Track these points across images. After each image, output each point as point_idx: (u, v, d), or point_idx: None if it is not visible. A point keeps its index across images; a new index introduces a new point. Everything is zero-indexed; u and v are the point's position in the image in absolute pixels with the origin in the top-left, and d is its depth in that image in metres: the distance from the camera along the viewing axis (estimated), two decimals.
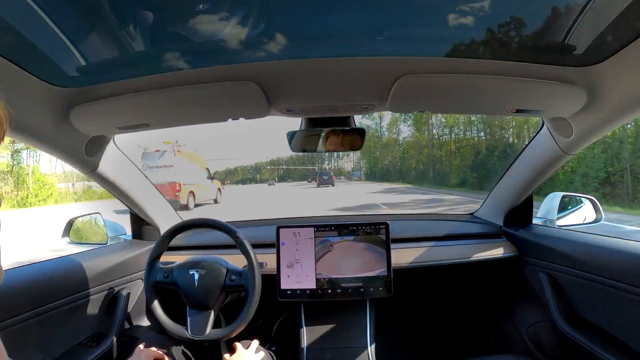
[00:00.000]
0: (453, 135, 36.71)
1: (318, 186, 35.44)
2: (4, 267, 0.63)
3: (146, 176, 1.74)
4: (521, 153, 1.71)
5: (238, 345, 1.41)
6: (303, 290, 1.61)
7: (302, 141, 1.45)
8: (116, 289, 1.59)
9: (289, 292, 1.62)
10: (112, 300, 1.58)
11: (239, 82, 1.05)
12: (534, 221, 1.89)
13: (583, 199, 1.90)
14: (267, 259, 1.65)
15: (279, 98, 1.15)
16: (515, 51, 1.00)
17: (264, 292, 1.44)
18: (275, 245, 1.65)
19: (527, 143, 1.68)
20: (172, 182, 15.48)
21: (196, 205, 17.00)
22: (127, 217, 1.84)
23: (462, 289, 2.15)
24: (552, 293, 1.56)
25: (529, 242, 1.75)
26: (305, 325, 1.68)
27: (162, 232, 1.76)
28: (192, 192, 16.77)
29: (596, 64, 0.98)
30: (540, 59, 1.02)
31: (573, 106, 1.15)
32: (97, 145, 1.34)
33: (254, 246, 1.46)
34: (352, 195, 22.14)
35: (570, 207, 1.90)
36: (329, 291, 1.60)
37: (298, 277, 1.62)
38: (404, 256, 1.74)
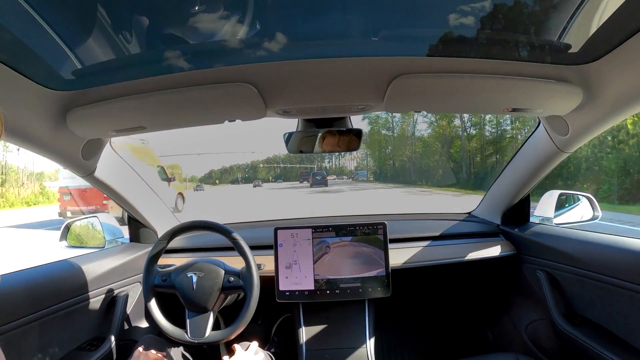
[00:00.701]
0: (493, 126, 28.46)
1: (311, 186, 34.99)
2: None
3: (143, 179, 1.74)
4: (518, 152, 1.71)
5: (237, 347, 1.41)
6: (301, 291, 1.61)
7: (298, 142, 1.45)
8: (114, 292, 1.59)
9: (287, 293, 1.62)
10: (111, 303, 1.58)
11: (235, 83, 1.05)
12: (531, 219, 1.90)
13: (580, 197, 1.90)
14: (265, 261, 1.65)
15: (275, 99, 1.15)
16: (511, 50, 1.01)
17: (263, 293, 1.44)
18: (273, 246, 1.65)
19: (523, 142, 1.68)
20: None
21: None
22: None
23: (460, 288, 2.15)
24: (550, 291, 1.57)
25: (526, 241, 1.76)
26: (304, 326, 1.68)
27: (159, 235, 1.77)
28: None
29: (591, 62, 0.99)
30: (536, 57, 1.02)
31: (569, 104, 1.15)
32: (93, 148, 1.34)
33: (252, 248, 1.46)
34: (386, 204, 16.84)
35: (567, 205, 1.91)
36: (328, 292, 1.61)
37: (296, 278, 1.62)
38: (402, 256, 1.74)
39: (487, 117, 27.58)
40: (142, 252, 1.73)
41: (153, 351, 1.34)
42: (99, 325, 1.52)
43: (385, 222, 1.65)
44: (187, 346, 1.59)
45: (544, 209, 1.89)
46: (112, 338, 1.50)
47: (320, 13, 0.92)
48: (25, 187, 28.90)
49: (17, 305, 1.18)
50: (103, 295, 1.53)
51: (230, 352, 1.39)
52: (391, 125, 41.42)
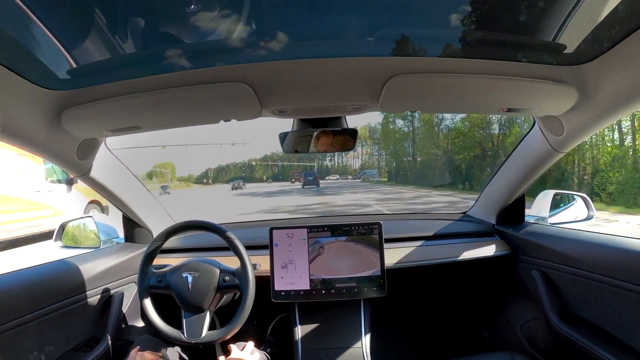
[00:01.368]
0: None
1: (303, 187, 34.76)
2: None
3: (139, 179, 1.73)
4: (513, 152, 1.72)
5: (233, 347, 1.41)
6: (297, 291, 1.61)
7: (294, 142, 1.45)
8: (110, 292, 1.58)
9: (283, 293, 1.62)
10: (106, 303, 1.57)
11: (230, 83, 1.05)
12: (526, 219, 1.90)
13: (575, 197, 1.91)
14: (260, 261, 1.64)
15: (271, 99, 1.14)
16: (506, 50, 1.01)
17: (258, 293, 1.44)
18: (268, 246, 1.64)
19: (518, 142, 1.68)
20: None
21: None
22: None
23: (455, 287, 2.15)
24: (545, 290, 1.57)
25: (521, 240, 1.76)
26: (300, 326, 1.68)
27: (154, 235, 1.76)
28: None
29: (586, 62, 0.99)
30: (531, 58, 1.02)
31: (564, 105, 1.15)
32: (88, 148, 1.33)
33: (247, 248, 1.47)
34: None
35: (562, 205, 1.91)
36: (323, 292, 1.61)
37: (292, 278, 1.62)
38: (397, 256, 1.75)
39: None
40: (137, 252, 1.73)
41: (149, 352, 1.34)
42: (94, 326, 1.52)
43: (381, 222, 1.65)
44: (183, 346, 1.59)
45: (539, 208, 1.90)
46: (108, 338, 1.50)
47: (316, 13, 0.92)
48: None
49: (11, 305, 1.18)
50: (98, 296, 1.52)
51: (226, 352, 1.40)
52: (409, 114, 31.40)
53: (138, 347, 1.36)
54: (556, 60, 1.02)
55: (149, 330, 1.71)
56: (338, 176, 78.66)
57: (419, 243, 1.83)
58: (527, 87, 1.09)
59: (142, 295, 1.44)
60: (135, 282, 1.68)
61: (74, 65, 0.97)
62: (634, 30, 0.84)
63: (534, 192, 2.00)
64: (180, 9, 0.86)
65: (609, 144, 16.47)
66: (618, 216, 11.29)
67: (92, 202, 9.93)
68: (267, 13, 0.92)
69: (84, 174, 1.41)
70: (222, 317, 1.72)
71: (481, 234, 1.91)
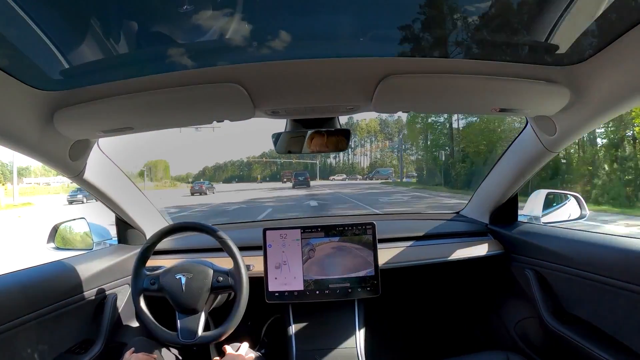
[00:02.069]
0: None
1: (293, 187, 33.94)
2: None
3: (131, 180, 1.72)
4: (505, 151, 1.73)
5: (228, 348, 1.40)
6: (291, 292, 1.61)
7: (287, 142, 1.45)
8: (103, 294, 1.57)
9: (276, 294, 1.62)
10: (100, 306, 1.56)
11: (223, 84, 1.04)
12: (520, 219, 1.91)
13: (568, 196, 1.92)
14: (254, 262, 1.64)
15: (264, 100, 1.14)
16: (499, 51, 1.01)
17: (252, 294, 1.43)
18: (262, 247, 1.64)
19: (511, 142, 1.69)
20: None
21: None
22: None
23: (449, 287, 2.16)
24: (539, 289, 1.58)
25: (515, 240, 1.77)
26: (294, 327, 1.68)
27: (147, 236, 1.75)
28: None
29: (579, 63, 0.99)
30: (524, 58, 1.03)
31: (556, 105, 1.16)
32: (81, 149, 1.33)
33: (241, 249, 1.46)
34: None
35: (555, 204, 1.92)
36: (317, 292, 1.61)
37: (285, 278, 1.62)
38: (391, 256, 1.75)
39: None
40: (130, 254, 1.72)
41: (143, 353, 1.33)
42: (88, 328, 1.51)
43: (374, 222, 1.65)
44: (178, 348, 1.58)
45: (532, 208, 1.91)
46: (102, 340, 1.49)
47: (308, 13, 0.92)
48: None
49: (4, 308, 1.17)
50: (92, 298, 1.51)
51: (221, 354, 1.39)
52: None
53: (132, 349, 1.36)
54: (548, 61, 1.03)
55: (143, 331, 1.70)
56: (345, 175, 71.69)
57: (412, 243, 1.83)
58: (519, 88, 1.10)
59: (135, 298, 1.43)
60: (128, 284, 1.67)
61: (67, 66, 0.96)
62: (626, 31, 0.84)
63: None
64: (173, 9, 0.86)
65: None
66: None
67: None
68: (260, 14, 0.92)
69: (77, 176, 1.41)
70: (216, 318, 1.72)
71: (474, 234, 1.92)
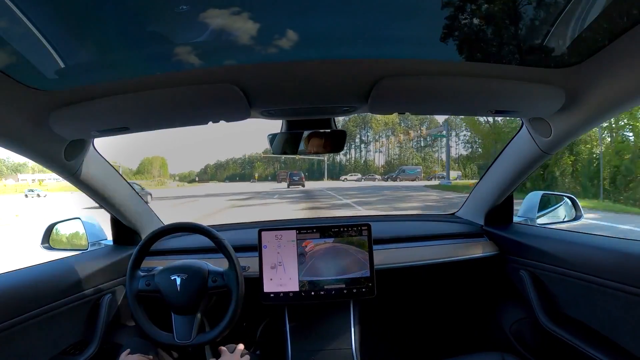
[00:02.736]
0: None
1: (288, 187, 33.73)
2: None
3: (126, 180, 1.72)
4: (501, 153, 1.73)
5: (223, 349, 1.40)
6: (286, 293, 1.61)
7: (283, 143, 1.45)
8: (98, 294, 1.56)
9: (272, 295, 1.61)
10: (95, 306, 1.55)
11: (219, 84, 1.04)
12: (515, 220, 1.92)
13: (563, 198, 1.93)
14: (249, 263, 1.64)
15: (260, 101, 1.14)
16: (495, 53, 1.01)
17: (247, 295, 1.43)
18: (257, 248, 1.64)
19: (507, 143, 1.70)
20: None
21: None
22: None
23: (444, 288, 2.16)
24: (534, 290, 1.59)
25: (510, 241, 1.77)
26: (290, 328, 1.68)
27: (142, 237, 1.75)
28: None
29: (574, 65, 1.00)
30: (519, 60, 1.03)
31: (552, 107, 1.16)
32: (76, 149, 1.32)
33: (236, 250, 1.46)
34: None
35: (550, 206, 1.93)
36: (312, 293, 1.61)
37: (281, 279, 1.61)
38: (386, 257, 1.75)
39: None
40: (125, 254, 1.71)
41: (139, 355, 1.33)
42: (83, 329, 1.50)
43: (370, 223, 1.65)
44: (173, 349, 1.58)
45: (527, 209, 1.91)
46: (97, 341, 1.48)
47: (305, 15, 0.91)
48: None
49: None
50: (87, 298, 1.50)
51: (216, 355, 1.39)
52: None
53: (128, 350, 1.35)
54: (544, 63, 1.03)
55: (139, 332, 1.70)
56: (359, 175, 60.63)
57: (408, 244, 1.84)
58: (515, 90, 1.10)
59: (131, 299, 1.42)
60: (123, 285, 1.66)
61: (62, 65, 0.96)
62: (621, 34, 0.85)
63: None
64: (169, 9, 0.86)
65: None
66: None
67: None
68: (257, 15, 0.92)
69: (72, 175, 1.40)
70: (212, 319, 1.71)
71: (470, 235, 1.92)
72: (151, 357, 1.37)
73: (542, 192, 1.91)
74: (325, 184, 46.27)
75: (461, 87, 1.10)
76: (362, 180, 53.56)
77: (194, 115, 1.22)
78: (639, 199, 13.81)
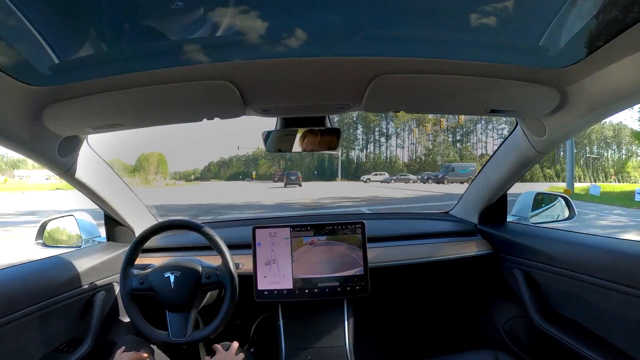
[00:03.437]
0: None
1: (285, 186, 32.57)
2: None
3: (120, 177, 1.71)
4: (495, 152, 1.74)
5: (218, 347, 1.40)
6: (280, 291, 1.61)
7: (277, 141, 1.45)
8: (92, 292, 1.56)
9: (266, 292, 1.61)
10: (88, 303, 1.55)
11: (214, 81, 1.04)
12: (509, 219, 1.93)
13: (556, 197, 1.94)
14: (243, 260, 1.63)
15: (255, 98, 1.14)
16: (490, 52, 1.02)
17: (241, 293, 1.43)
18: (251, 246, 1.64)
19: (501, 143, 1.70)
20: None
21: None
22: None
23: (438, 286, 2.17)
24: (527, 289, 1.60)
25: (503, 240, 1.78)
26: (284, 326, 1.68)
27: (136, 234, 1.74)
28: None
29: (569, 65, 1.00)
30: (515, 60, 1.03)
31: (546, 107, 1.17)
32: (70, 145, 1.31)
33: (230, 247, 1.46)
34: None
35: (543, 205, 1.94)
36: (306, 291, 1.61)
37: (275, 277, 1.61)
38: (380, 255, 1.76)
39: None
40: (119, 252, 1.70)
41: (135, 352, 1.32)
42: (77, 326, 1.49)
43: (364, 221, 1.65)
44: (167, 346, 1.57)
45: (520, 208, 1.92)
46: (91, 339, 1.48)
47: (301, 12, 0.91)
48: None
49: None
50: (80, 296, 1.50)
51: (211, 352, 1.39)
52: None
53: (123, 347, 1.35)
54: (539, 63, 1.03)
55: (133, 330, 1.69)
56: (386, 174, 47.48)
57: (402, 242, 1.84)
58: (510, 89, 1.11)
59: (124, 297, 1.41)
60: (117, 282, 1.66)
61: (57, 61, 0.95)
62: (616, 35, 0.85)
63: None
64: (164, 5, 0.86)
65: None
66: None
67: None
68: (252, 11, 0.91)
69: (65, 172, 1.39)
70: (206, 316, 1.71)
71: (464, 234, 1.93)
72: (146, 355, 1.36)
73: (535, 191, 1.92)
74: (338, 187, 35.07)
75: (456, 86, 1.10)
76: (392, 181, 41.14)
77: (188, 111, 1.22)
78: None
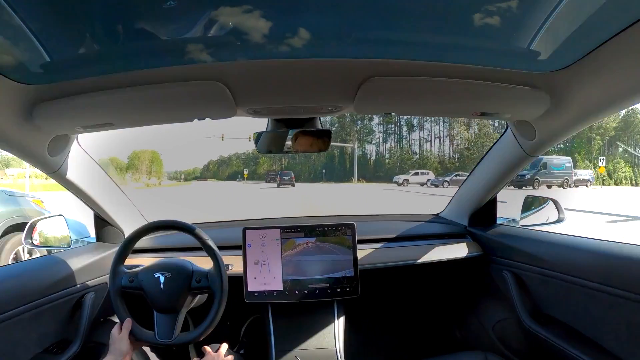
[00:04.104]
0: None
1: (278, 186, 32.09)
2: None
3: (111, 177, 1.70)
4: (486, 155, 1.75)
5: (207, 348, 1.39)
6: (270, 292, 1.61)
7: (268, 142, 1.45)
8: (81, 292, 1.54)
9: (256, 293, 1.61)
10: (77, 304, 1.53)
11: (205, 82, 1.04)
12: (498, 221, 1.94)
13: (546, 200, 1.95)
14: (233, 261, 1.63)
15: (246, 98, 1.14)
16: (482, 55, 1.02)
17: (231, 294, 1.42)
18: (241, 247, 1.64)
19: (492, 145, 1.71)
20: None
21: None
22: None
23: (428, 288, 2.18)
24: (516, 291, 1.60)
25: (493, 242, 1.79)
26: (274, 327, 1.68)
27: (126, 234, 1.73)
28: None
29: (559, 70, 1.01)
30: (506, 63, 1.04)
31: (536, 110, 1.18)
32: (60, 144, 1.30)
33: (220, 248, 1.45)
34: None
35: (533, 208, 1.95)
36: (296, 292, 1.61)
37: (265, 278, 1.61)
38: (370, 257, 1.76)
39: None
40: (108, 252, 1.69)
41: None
42: (65, 327, 1.48)
43: (354, 223, 1.66)
44: (156, 348, 1.56)
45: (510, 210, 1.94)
46: (80, 340, 1.46)
47: (293, 13, 0.91)
48: None
49: None
50: (69, 296, 1.49)
51: (200, 354, 1.38)
52: None
53: (118, 327, 1.34)
54: (530, 67, 1.04)
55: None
56: (431, 173, 37.61)
57: (392, 244, 1.85)
58: (501, 92, 1.12)
59: (113, 295, 1.40)
60: (106, 283, 1.65)
61: (48, 59, 0.95)
62: (606, 40, 0.86)
63: None
64: (157, 5, 0.85)
65: None
66: None
67: None
68: (244, 12, 0.91)
69: (55, 172, 1.38)
70: (195, 318, 1.70)
71: (453, 236, 1.94)
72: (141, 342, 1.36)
73: (525, 194, 1.94)
74: (358, 192, 26.86)
75: (447, 89, 1.11)
76: (446, 184, 29.94)
77: (179, 111, 1.22)
78: None
